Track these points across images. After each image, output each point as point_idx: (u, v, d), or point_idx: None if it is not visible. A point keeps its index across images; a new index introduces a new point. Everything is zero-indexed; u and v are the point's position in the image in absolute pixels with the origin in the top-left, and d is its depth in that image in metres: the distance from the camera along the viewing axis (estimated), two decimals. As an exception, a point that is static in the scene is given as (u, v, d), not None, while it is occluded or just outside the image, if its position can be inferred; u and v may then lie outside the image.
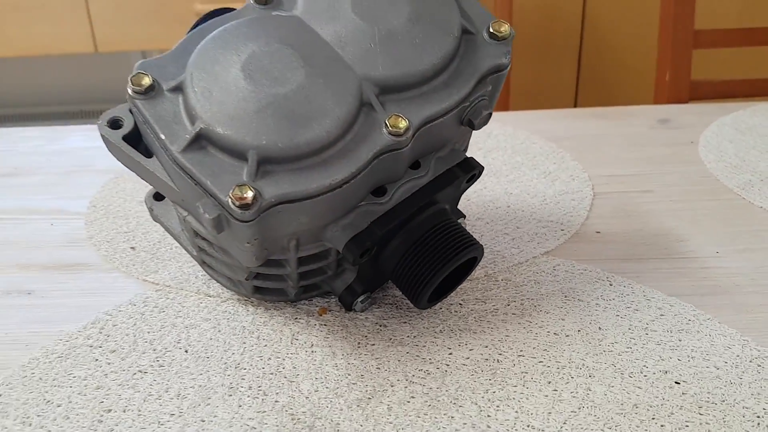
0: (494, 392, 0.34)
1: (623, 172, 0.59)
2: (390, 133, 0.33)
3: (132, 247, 0.49)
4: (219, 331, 0.40)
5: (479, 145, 0.65)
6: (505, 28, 0.37)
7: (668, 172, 0.58)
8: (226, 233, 0.33)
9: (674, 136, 0.65)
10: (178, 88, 0.33)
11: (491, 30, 0.37)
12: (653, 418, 0.32)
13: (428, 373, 0.36)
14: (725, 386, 0.34)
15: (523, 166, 0.60)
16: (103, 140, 0.35)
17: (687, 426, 0.32)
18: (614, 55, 1.58)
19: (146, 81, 0.33)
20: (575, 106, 1.61)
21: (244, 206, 0.30)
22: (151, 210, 0.43)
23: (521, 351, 0.37)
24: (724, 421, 0.32)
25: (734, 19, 1.43)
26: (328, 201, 0.32)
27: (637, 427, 0.32)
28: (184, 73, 0.34)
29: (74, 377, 0.37)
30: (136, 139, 0.35)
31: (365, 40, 0.35)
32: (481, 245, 0.38)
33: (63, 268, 0.47)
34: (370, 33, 0.35)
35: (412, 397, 0.34)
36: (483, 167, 0.39)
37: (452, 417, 0.33)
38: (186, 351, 0.38)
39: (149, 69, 0.34)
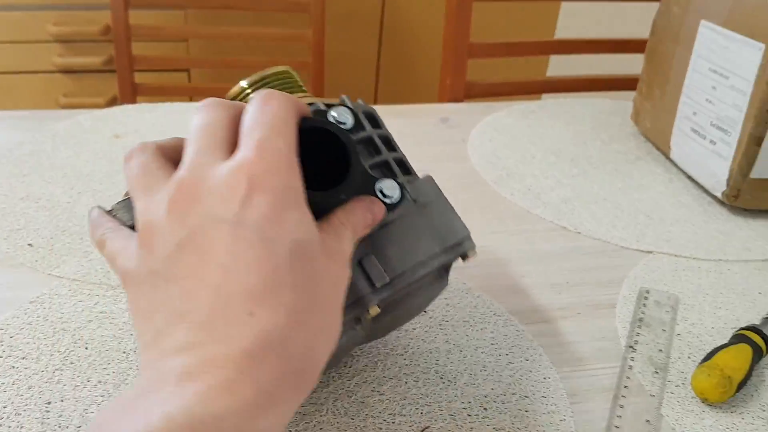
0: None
1: (416, 168, 0.78)
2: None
3: (29, 244, 0.60)
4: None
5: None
6: (472, 256, 0.42)
7: (446, 169, 0.78)
8: None
9: (452, 134, 0.86)
10: None
11: (463, 258, 0.42)
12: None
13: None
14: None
15: (340, 162, 0.77)
16: None
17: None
18: (411, 30, 1.79)
19: None
20: (377, 73, 1.81)
21: None
22: None
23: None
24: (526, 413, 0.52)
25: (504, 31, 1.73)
26: None
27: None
28: None
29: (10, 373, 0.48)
30: None
31: None
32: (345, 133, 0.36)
33: (-26, 265, 0.57)
34: None
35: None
36: None
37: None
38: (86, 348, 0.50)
39: None
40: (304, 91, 0.46)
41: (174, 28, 1.48)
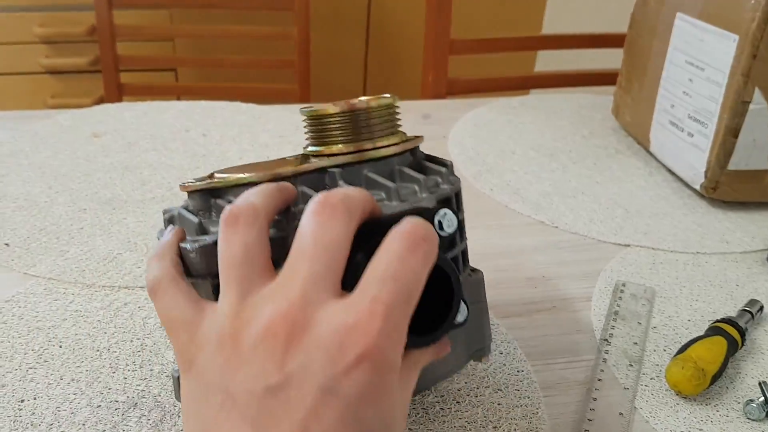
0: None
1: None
2: None
3: (6, 244, 0.60)
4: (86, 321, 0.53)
5: (290, 139, 0.81)
6: (484, 362, 0.44)
7: (427, 164, 0.78)
8: None
9: (433, 130, 0.86)
10: None
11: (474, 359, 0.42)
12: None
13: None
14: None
15: (320, 159, 0.77)
16: None
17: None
18: (398, 27, 1.79)
19: None
20: (365, 71, 1.81)
21: None
22: None
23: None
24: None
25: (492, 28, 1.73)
26: None
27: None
28: None
29: (-10, 357, 0.48)
30: None
31: None
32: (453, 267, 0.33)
33: (-53, 266, 0.57)
34: None
35: None
36: None
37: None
38: (60, 346, 0.50)
39: None
40: (399, 126, 0.42)
41: (159, 28, 1.48)
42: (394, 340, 0.28)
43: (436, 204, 0.37)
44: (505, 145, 0.82)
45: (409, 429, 0.44)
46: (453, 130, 0.85)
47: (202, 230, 0.37)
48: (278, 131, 0.83)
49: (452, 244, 0.38)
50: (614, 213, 0.70)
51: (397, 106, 0.42)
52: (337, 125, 0.39)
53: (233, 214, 0.32)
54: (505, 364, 0.50)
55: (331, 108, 0.39)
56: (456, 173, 0.75)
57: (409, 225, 0.30)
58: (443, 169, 0.41)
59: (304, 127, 0.41)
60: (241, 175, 0.37)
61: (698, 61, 0.70)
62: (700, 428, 0.46)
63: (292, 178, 0.37)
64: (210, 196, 0.38)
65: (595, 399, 0.48)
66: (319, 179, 0.38)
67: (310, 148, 0.41)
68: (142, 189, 0.69)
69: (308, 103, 0.44)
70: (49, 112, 0.85)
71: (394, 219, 0.31)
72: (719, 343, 0.50)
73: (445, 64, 0.96)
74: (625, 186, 0.75)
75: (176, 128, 0.83)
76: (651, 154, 0.81)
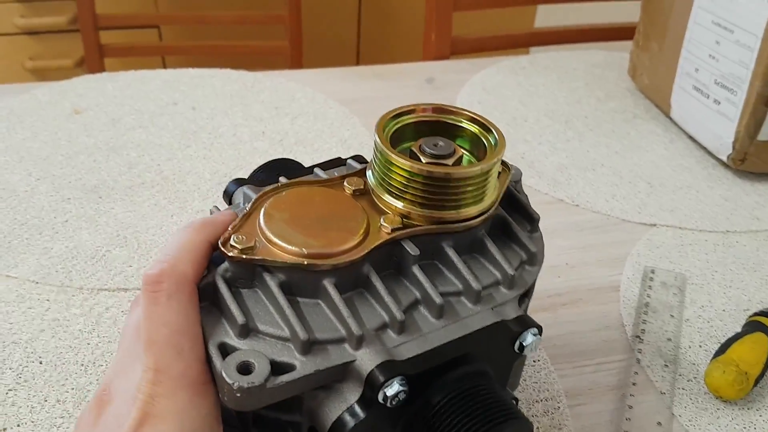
0: None
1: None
2: None
3: (-18, 243, 0.55)
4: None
5: (286, 111, 0.75)
6: None
7: (433, 136, 0.73)
8: None
9: (439, 96, 0.80)
10: None
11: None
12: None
13: None
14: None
15: (323, 133, 0.71)
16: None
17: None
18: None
19: None
20: (359, 27, 1.73)
21: None
22: None
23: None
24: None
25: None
26: None
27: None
28: None
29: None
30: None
31: None
32: (529, 421, 0.31)
33: None
34: None
35: None
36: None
37: None
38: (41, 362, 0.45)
39: None
40: (488, 188, 0.35)
41: (140, -17, 1.40)
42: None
43: (518, 321, 0.32)
44: (517, 112, 0.77)
45: None
46: (460, 95, 0.80)
47: (245, 331, 0.30)
48: (273, 102, 0.77)
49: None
50: (637, 188, 0.66)
51: (492, 169, 0.33)
52: (419, 187, 0.33)
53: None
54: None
55: (415, 167, 0.32)
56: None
57: None
58: (527, 229, 0.37)
59: (375, 153, 0.34)
60: (299, 256, 0.31)
61: (727, 22, 0.64)
62: (746, 439, 0.43)
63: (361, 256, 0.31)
64: (260, 268, 0.31)
65: (630, 407, 0.44)
66: (389, 253, 0.33)
67: (373, 182, 0.34)
68: (129, 173, 0.64)
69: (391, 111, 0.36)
70: (26, 85, 0.79)
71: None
72: (760, 342, 0.47)
73: (449, 22, 0.90)
74: (646, 156, 0.71)
75: (163, 101, 0.77)
76: (671, 119, 0.76)
